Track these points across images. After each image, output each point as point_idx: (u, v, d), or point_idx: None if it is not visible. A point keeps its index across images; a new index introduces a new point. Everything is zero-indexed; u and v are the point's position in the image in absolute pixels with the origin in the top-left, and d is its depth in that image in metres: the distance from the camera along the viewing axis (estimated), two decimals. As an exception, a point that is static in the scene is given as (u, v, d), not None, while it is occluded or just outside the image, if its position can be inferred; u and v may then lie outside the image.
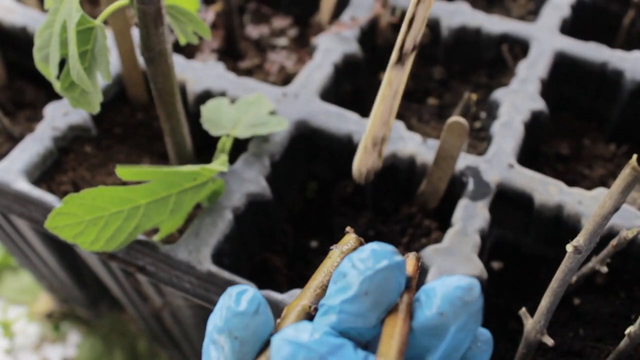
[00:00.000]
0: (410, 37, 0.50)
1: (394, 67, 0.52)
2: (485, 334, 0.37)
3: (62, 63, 0.55)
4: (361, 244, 0.40)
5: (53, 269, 0.86)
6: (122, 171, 0.51)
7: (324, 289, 0.38)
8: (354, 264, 0.34)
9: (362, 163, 0.57)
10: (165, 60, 0.56)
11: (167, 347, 0.93)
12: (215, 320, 0.35)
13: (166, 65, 0.56)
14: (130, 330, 0.99)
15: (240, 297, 0.35)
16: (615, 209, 0.42)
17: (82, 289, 0.91)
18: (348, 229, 0.42)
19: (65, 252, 0.81)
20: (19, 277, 1.05)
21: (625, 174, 0.39)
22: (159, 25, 0.53)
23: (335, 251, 0.39)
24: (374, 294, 0.34)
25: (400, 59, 0.51)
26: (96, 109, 0.56)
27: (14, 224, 0.77)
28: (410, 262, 0.39)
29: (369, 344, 0.36)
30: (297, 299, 0.38)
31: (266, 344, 0.35)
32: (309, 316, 0.37)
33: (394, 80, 0.52)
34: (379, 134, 0.55)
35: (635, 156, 0.39)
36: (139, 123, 0.73)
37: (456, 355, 0.35)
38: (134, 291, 0.75)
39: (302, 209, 0.71)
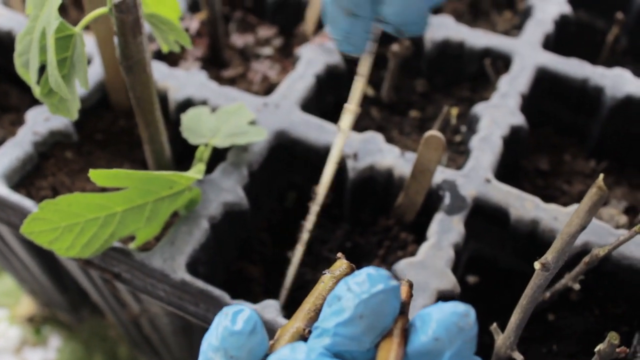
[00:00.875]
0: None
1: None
2: None
3: (43, 69, 0.55)
4: (352, 270, 0.41)
5: (34, 273, 0.86)
6: (96, 174, 0.51)
7: (317, 312, 0.39)
8: (350, 287, 0.35)
9: None
10: (144, 70, 0.56)
11: (146, 353, 0.93)
12: (210, 339, 0.35)
13: (144, 75, 0.56)
14: (111, 336, 0.99)
15: (237, 317, 0.35)
16: (582, 227, 0.42)
17: (63, 294, 0.91)
18: (339, 254, 0.43)
19: (45, 256, 0.81)
20: (1, 280, 1.04)
21: (592, 193, 0.39)
22: (137, 34, 0.53)
23: (328, 276, 0.40)
24: (369, 318, 0.34)
25: None
26: (74, 116, 0.56)
27: (-6, 228, 0.76)
28: (403, 288, 0.39)
29: None
30: (290, 321, 0.39)
31: None
32: (303, 338, 0.37)
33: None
34: None
35: (602, 176, 0.39)
36: (120, 130, 0.73)
37: None
38: (113, 297, 0.75)
39: (281, 219, 0.71)
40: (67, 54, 0.54)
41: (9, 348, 0.99)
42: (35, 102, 0.82)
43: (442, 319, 0.35)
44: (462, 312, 0.35)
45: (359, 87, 0.59)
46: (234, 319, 0.35)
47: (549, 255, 0.44)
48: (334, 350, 0.35)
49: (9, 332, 1.01)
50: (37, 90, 0.56)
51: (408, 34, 0.51)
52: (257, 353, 0.35)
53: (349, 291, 0.35)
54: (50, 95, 0.57)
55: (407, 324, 0.37)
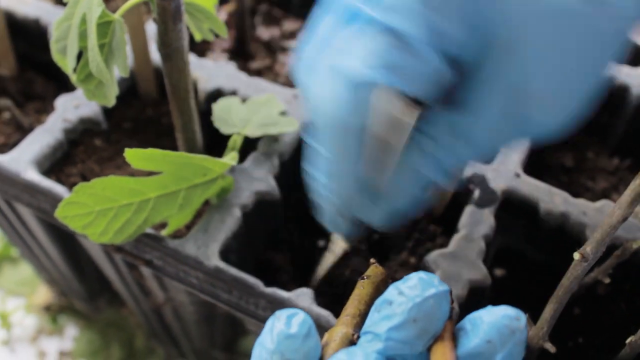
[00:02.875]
0: None
1: None
2: None
3: (79, 57, 0.56)
4: (387, 276, 0.42)
5: (54, 261, 0.87)
6: (131, 154, 0.51)
7: (362, 317, 0.40)
8: (402, 292, 0.35)
9: None
10: (182, 57, 0.56)
11: (164, 343, 0.93)
12: (265, 343, 0.35)
13: (182, 62, 0.57)
14: (128, 326, 0.99)
15: (291, 320, 0.35)
16: (624, 218, 0.42)
17: (82, 282, 0.91)
18: (372, 260, 0.44)
19: (67, 243, 0.81)
20: (19, 268, 1.05)
21: (635, 184, 0.40)
22: (177, 21, 0.53)
23: (366, 281, 0.42)
24: (421, 321, 0.35)
25: None
26: (112, 102, 0.56)
27: (19, 214, 0.77)
28: None
29: None
30: (336, 326, 0.39)
31: None
32: (352, 343, 0.38)
33: None
34: None
35: (644, 168, 0.40)
36: (148, 119, 0.73)
37: None
38: (137, 285, 0.75)
39: (307, 210, 0.71)
40: (106, 40, 0.55)
41: (25, 337, 0.99)
42: (59, 90, 0.82)
43: (493, 322, 0.36)
44: (513, 315, 0.36)
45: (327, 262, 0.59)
46: (288, 322, 0.35)
47: (589, 246, 0.45)
48: (386, 355, 0.35)
49: (26, 321, 1.01)
50: (74, 77, 0.57)
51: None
52: (312, 356, 0.36)
53: (400, 295, 0.36)
54: (87, 81, 0.57)
55: (454, 328, 0.38)
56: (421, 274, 0.36)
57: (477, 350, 0.35)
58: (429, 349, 0.36)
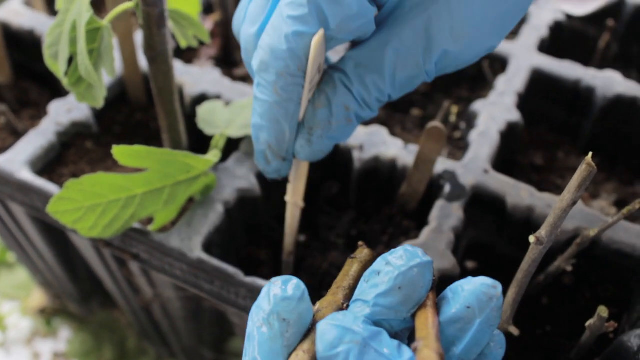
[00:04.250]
0: None
1: None
2: (499, 334, 0.42)
3: (70, 61, 0.59)
4: (373, 255, 0.46)
5: (48, 262, 0.90)
6: (118, 150, 0.54)
7: (350, 290, 0.43)
8: (389, 262, 0.39)
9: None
10: (166, 60, 0.60)
11: (155, 343, 0.96)
12: (263, 306, 0.38)
13: (166, 65, 0.60)
14: (120, 328, 1.02)
15: (287, 285, 0.39)
16: (574, 202, 0.46)
17: (75, 283, 0.94)
18: (360, 243, 0.48)
19: (60, 243, 0.84)
20: (14, 273, 1.08)
21: (581, 169, 0.43)
22: (161, 27, 0.57)
23: (355, 259, 0.45)
24: (406, 289, 0.38)
25: None
26: (100, 103, 0.60)
27: (15, 217, 0.80)
28: None
29: (396, 335, 0.40)
30: (326, 296, 0.42)
31: (309, 330, 0.39)
32: (341, 310, 0.41)
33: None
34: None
35: (590, 153, 0.43)
36: (137, 123, 0.77)
37: (476, 350, 0.39)
38: (126, 282, 0.78)
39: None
40: (95, 45, 0.58)
41: (20, 339, 1.02)
42: (53, 97, 0.86)
43: (473, 290, 0.39)
44: (490, 283, 0.39)
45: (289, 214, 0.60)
46: (284, 286, 0.39)
47: (543, 230, 0.48)
48: (373, 319, 0.39)
49: (21, 324, 1.04)
50: (65, 80, 0.60)
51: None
52: (306, 318, 0.39)
53: (387, 265, 0.39)
54: (77, 84, 0.61)
55: (437, 298, 0.41)
56: (407, 247, 0.40)
57: (458, 315, 0.39)
58: (413, 316, 0.40)
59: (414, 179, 0.66)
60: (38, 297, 1.05)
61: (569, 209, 0.47)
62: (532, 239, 0.48)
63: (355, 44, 0.49)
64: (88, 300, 1.01)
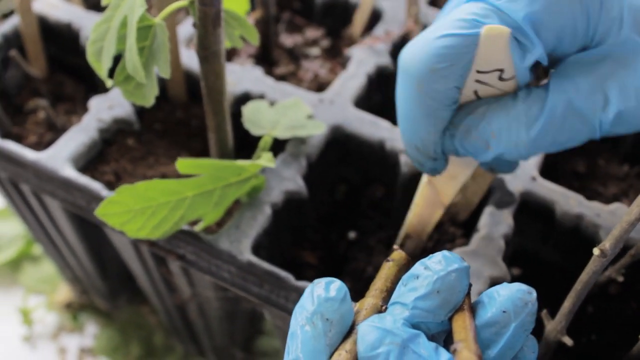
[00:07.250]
0: None
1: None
2: (532, 339, 0.42)
3: (116, 60, 0.58)
4: (407, 259, 0.47)
5: (79, 257, 0.89)
6: (182, 163, 0.54)
7: (388, 292, 0.44)
8: (427, 266, 0.40)
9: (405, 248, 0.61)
10: (219, 60, 0.59)
11: (184, 340, 0.95)
12: (306, 306, 0.40)
13: (219, 65, 0.59)
14: (148, 324, 1.01)
15: (330, 286, 0.40)
16: (643, 216, 0.45)
17: (104, 279, 0.94)
18: (395, 247, 0.48)
19: (94, 240, 0.84)
20: (40, 266, 1.07)
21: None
22: (217, 26, 0.56)
23: (390, 263, 0.46)
24: (444, 293, 0.39)
25: None
26: (150, 102, 0.59)
27: (48, 210, 0.79)
28: None
29: (433, 337, 0.41)
30: (364, 299, 0.43)
31: (349, 331, 0.40)
32: (379, 313, 0.42)
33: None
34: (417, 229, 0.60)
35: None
36: (178, 121, 0.76)
37: (510, 354, 0.40)
38: (163, 281, 0.77)
39: (330, 210, 0.74)
40: (146, 43, 0.57)
41: (46, 333, 1.02)
42: (88, 92, 0.85)
43: (509, 295, 0.40)
44: (526, 289, 0.40)
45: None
46: (327, 287, 0.40)
47: (607, 243, 0.47)
48: (412, 322, 0.40)
49: (47, 318, 1.03)
50: (106, 78, 0.59)
51: (498, 171, 0.58)
52: (347, 319, 0.40)
53: (426, 269, 0.40)
54: (126, 82, 0.60)
55: (472, 302, 0.42)
56: (445, 252, 0.41)
57: (494, 319, 0.40)
58: (450, 319, 0.41)
59: (470, 190, 0.65)
60: (64, 292, 1.05)
61: (637, 223, 0.46)
62: (596, 251, 0.48)
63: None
64: (116, 297, 1.00)
